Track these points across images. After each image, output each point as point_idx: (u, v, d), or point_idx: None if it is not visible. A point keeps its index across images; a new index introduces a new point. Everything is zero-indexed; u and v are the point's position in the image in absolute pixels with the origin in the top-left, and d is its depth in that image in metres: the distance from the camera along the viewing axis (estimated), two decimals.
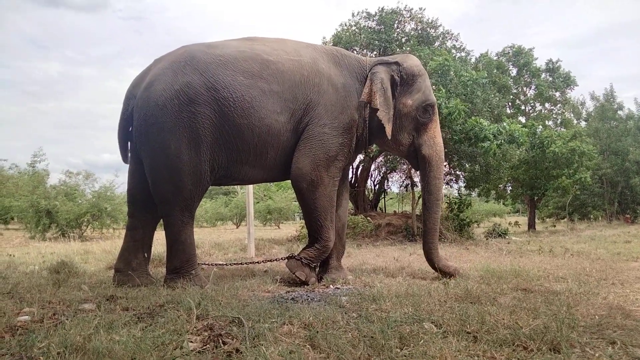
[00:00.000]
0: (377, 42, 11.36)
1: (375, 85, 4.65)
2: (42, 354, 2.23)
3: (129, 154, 4.67)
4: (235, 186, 22.60)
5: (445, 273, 4.79)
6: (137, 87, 4.46)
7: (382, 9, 11.81)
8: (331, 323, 2.83)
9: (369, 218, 11.12)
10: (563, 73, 17.64)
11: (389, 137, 4.74)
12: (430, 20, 12.01)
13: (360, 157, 11.13)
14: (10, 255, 7.55)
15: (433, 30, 12.02)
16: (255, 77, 4.34)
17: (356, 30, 11.89)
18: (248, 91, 4.28)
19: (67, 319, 2.83)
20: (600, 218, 24.15)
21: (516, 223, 20.12)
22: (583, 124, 22.94)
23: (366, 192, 13.04)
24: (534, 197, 17.30)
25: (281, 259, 5.16)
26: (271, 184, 24.90)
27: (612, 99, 23.64)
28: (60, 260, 5.65)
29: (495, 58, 16.85)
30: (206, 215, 26.43)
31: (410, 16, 11.90)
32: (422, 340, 2.43)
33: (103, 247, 9.07)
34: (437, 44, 11.97)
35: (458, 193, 12.71)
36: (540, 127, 15.42)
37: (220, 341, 2.46)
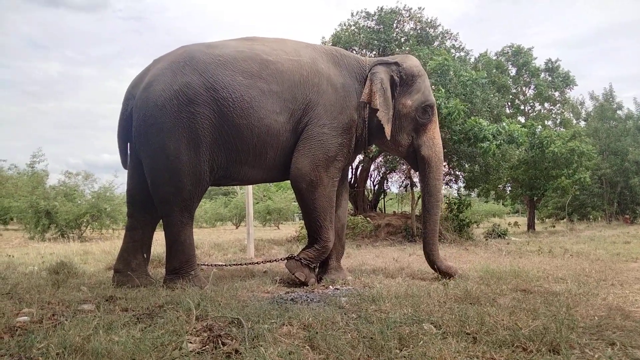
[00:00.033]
0: (376, 41, 11.35)
1: (375, 86, 4.65)
2: (41, 355, 2.23)
3: (129, 156, 4.66)
4: (235, 186, 22.61)
5: (445, 274, 4.79)
6: (136, 88, 4.45)
7: (381, 8, 11.81)
8: (330, 324, 2.83)
9: (368, 218, 11.12)
10: (562, 73, 17.64)
11: (388, 138, 4.74)
12: (429, 20, 12.01)
13: (359, 157, 11.13)
14: (10, 255, 7.54)
15: (432, 30, 12.02)
16: (255, 77, 4.34)
17: (355, 30, 11.89)
18: (247, 91, 4.28)
19: (66, 320, 2.83)
20: (599, 218, 24.16)
21: (515, 223, 20.13)
22: (582, 123, 22.97)
23: (366, 193, 13.04)
24: (533, 197, 17.31)
25: (280, 259, 5.16)
26: (270, 184, 24.88)
27: (611, 99, 23.68)
28: (59, 260, 5.65)
29: (494, 58, 16.86)
30: (205, 215, 26.42)
31: (409, 16, 11.90)
32: (421, 341, 2.43)
33: (102, 248, 9.07)
34: (436, 43, 11.97)
35: (457, 193, 12.71)
36: (540, 127, 15.43)
37: (220, 342, 2.46)
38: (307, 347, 2.41)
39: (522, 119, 17.04)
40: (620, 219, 22.51)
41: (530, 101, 18.46)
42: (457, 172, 12.01)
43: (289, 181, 4.69)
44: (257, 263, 5.53)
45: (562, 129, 17.72)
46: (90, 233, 14.76)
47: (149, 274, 4.71)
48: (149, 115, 4.20)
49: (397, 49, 11.16)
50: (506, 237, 12.34)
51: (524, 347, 2.40)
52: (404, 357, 2.28)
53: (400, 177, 13.02)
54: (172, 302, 3.34)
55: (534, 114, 18.44)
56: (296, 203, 6.95)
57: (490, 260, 6.48)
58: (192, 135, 4.16)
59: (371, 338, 2.51)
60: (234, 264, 5.60)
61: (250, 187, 7.78)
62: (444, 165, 9.86)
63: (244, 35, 4.94)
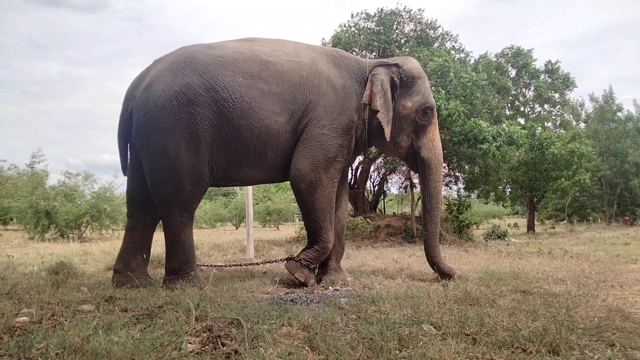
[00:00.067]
0: (376, 43, 11.36)
1: (375, 87, 4.65)
2: (41, 355, 2.23)
3: (129, 156, 4.66)
4: (235, 187, 22.60)
5: (446, 275, 4.79)
6: (136, 88, 4.46)
7: (381, 9, 11.82)
8: (330, 325, 2.83)
9: (368, 219, 11.12)
10: (562, 74, 17.65)
11: (388, 139, 4.74)
12: (429, 21, 12.02)
13: (359, 158, 11.13)
14: (9, 256, 7.53)
15: (432, 32, 12.03)
16: (255, 78, 4.34)
17: (355, 31, 11.90)
18: (247, 92, 4.28)
19: (65, 320, 2.83)
20: (599, 220, 24.16)
21: (515, 225, 20.14)
22: (582, 125, 22.98)
23: (365, 194, 13.05)
24: (533, 198, 17.31)
25: (280, 260, 5.16)
26: (270, 185, 24.90)
27: (611, 101, 23.70)
28: (59, 261, 5.64)
29: (494, 59, 16.88)
30: (205, 216, 26.40)
31: (409, 17, 11.91)
32: (421, 342, 2.43)
33: (102, 248, 9.06)
34: (436, 45, 11.98)
35: (457, 194, 12.72)
36: (540, 128, 15.42)
37: (219, 342, 2.46)
38: (307, 347, 2.41)
39: (522, 121, 17.04)
40: (620, 220, 22.50)
41: (530, 103, 18.46)
42: (457, 174, 12.01)
43: (288, 182, 4.70)
44: (256, 264, 5.53)
45: (562, 131, 17.72)
46: (90, 233, 14.75)
47: (148, 274, 4.70)
48: (149, 116, 4.20)
49: (397, 51, 11.17)
50: (506, 239, 12.33)
51: (524, 348, 2.40)
52: (404, 358, 2.28)
53: (400, 178, 13.03)
54: (172, 303, 3.34)
55: (534, 115, 18.44)
56: (296, 204, 6.94)
57: (489, 262, 6.48)
58: (192, 135, 4.17)
59: (371, 339, 2.51)
60: (233, 265, 5.59)
61: (250, 187, 7.79)
62: (444, 167, 9.87)
63: (243, 35, 4.95)
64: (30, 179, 16.59)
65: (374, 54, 11.54)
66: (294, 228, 16.24)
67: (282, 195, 26.05)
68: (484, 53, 16.45)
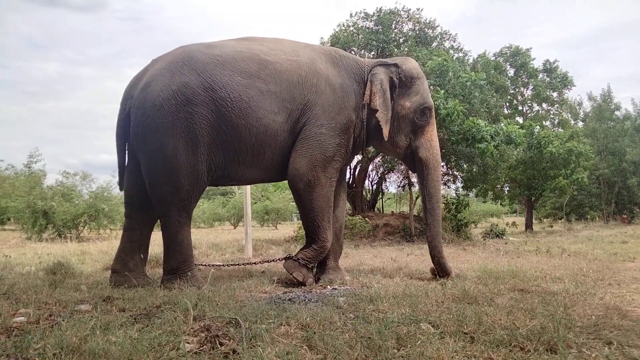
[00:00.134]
0: (374, 42, 11.37)
1: (374, 87, 4.65)
2: (38, 355, 2.22)
3: (127, 156, 4.65)
4: (233, 187, 22.59)
5: (446, 274, 4.79)
6: (134, 88, 4.44)
7: (380, 9, 11.83)
8: (328, 324, 2.83)
9: (366, 218, 11.13)
10: (560, 73, 17.70)
11: (386, 139, 4.74)
12: (428, 21, 12.04)
13: (357, 157, 11.13)
14: (7, 256, 7.51)
15: (431, 31, 12.05)
16: (253, 77, 4.34)
17: (354, 30, 11.90)
18: (246, 91, 4.28)
19: (63, 320, 2.82)
20: (597, 218, 24.26)
21: (513, 223, 20.22)
22: (580, 124, 23.05)
23: (364, 193, 13.06)
24: (531, 197, 17.36)
25: (278, 259, 5.16)
26: (268, 184, 24.89)
27: (609, 100, 23.77)
28: (56, 261, 5.63)
29: (492, 58, 16.90)
30: (203, 215, 26.41)
31: (408, 16, 11.92)
32: (419, 341, 2.43)
33: (100, 248, 9.04)
34: (434, 44, 11.99)
35: (456, 193, 12.73)
36: (538, 127, 15.47)
37: (217, 342, 2.45)
38: (305, 347, 2.41)
39: (520, 120, 17.09)
40: (618, 219, 22.59)
41: (529, 102, 18.51)
42: (455, 173, 12.03)
43: (287, 181, 4.69)
44: (255, 263, 5.53)
45: (560, 130, 17.79)
46: (87, 233, 14.73)
47: (146, 274, 4.69)
48: (147, 115, 4.19)
49: (395, 50, 11.17)
50: (504, 237, 12.37)
51: (522, 346, 2.40)
52: (402, 357, 2.28)
53: (398, 177, 13.05)
54: (170, 303, 3.34)
55: (532, 114, 18.49)
56: (294, 203, 6.95)
57: (488, 260, 6.49)
58: (190, 135, 4.16)
59: (369, 338, 2.51)
60: (231, 264, 5.59)
61: (248, 187, 7.79)
62: (442, 166, 9.89)
63: (242, 35, 4.93)
64: (27, 178, 16.57)
65: (373, 53, 11.54)
66: (292, 227, 16.24)
67: (281, 195, 26.06)
68: (482, 52, 16.48)
